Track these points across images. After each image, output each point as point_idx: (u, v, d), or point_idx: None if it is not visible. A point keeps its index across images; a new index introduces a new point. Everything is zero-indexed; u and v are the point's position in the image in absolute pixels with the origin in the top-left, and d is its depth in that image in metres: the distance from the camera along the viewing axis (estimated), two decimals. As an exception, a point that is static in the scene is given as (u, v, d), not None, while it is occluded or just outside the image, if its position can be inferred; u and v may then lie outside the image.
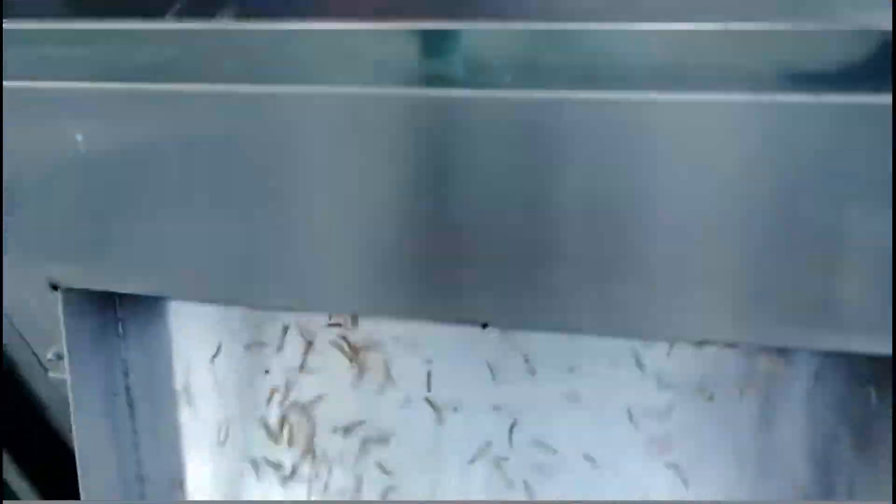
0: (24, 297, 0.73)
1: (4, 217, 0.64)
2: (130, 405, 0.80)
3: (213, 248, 0.62)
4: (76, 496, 0.89)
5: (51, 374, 0.82)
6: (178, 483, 0.83)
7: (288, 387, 0.78)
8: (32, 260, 0.67)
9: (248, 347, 0.78)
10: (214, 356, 0.79)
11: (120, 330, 0.79)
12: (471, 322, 0.64)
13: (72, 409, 0.73)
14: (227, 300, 0.70)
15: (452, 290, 0.60)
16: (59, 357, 0.79)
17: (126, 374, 0.80)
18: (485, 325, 0.71)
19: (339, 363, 0.76)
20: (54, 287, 0.69)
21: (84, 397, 0.75)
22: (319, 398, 0.78)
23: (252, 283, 0.64)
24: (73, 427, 0.74)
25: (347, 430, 0.78)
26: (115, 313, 0.78)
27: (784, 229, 0.50)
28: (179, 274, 0.65)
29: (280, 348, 0.77)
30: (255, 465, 0.82)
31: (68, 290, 0.69)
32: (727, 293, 0.54)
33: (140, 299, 0.78)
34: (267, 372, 0.78)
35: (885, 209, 0.47)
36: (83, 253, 0.66)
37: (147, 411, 0.81)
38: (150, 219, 0.62)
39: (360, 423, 0.78)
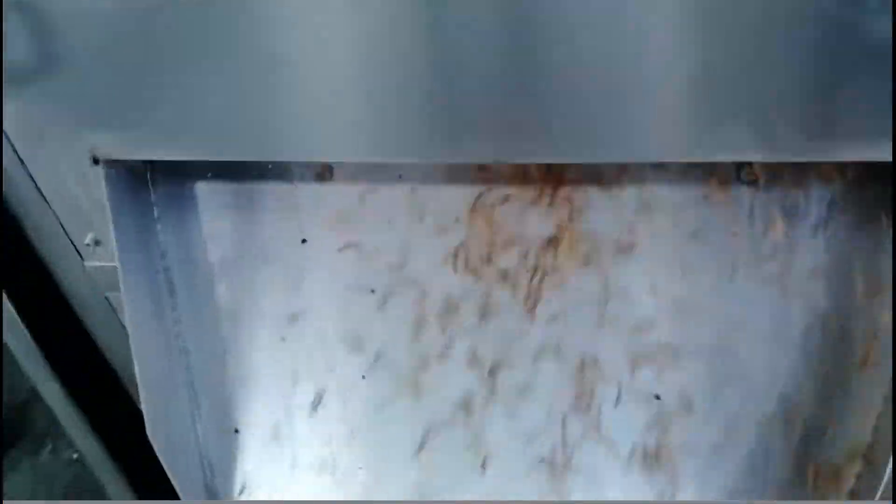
0: (63, 182, 0.74)
1: (45, 88, 0.66)
2: (170, 284, 0.84)
3: (235, 105, 0.65)
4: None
5: (86, 263, 0.84)
6: (220, 354, 0.87)
7: (323, 253, 0.82)
8: (73, 132, 0.69)
9: (280, 217, 0.81)
10: (246, 230, 0.83)
11: (155, 213, 0.81)
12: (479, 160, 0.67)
13: (121, 283, 0.76)
14: (251, 155, 0.72)
15: (459, 131, 0.63)
16: (97, 242, 0.82)
17: (163, 256, 0.83)
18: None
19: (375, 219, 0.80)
20: (95, 161, 0.71)
21: (129, 276, 0.77)
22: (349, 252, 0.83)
23: (271, 136, 0.67)
24: (124, 303, 0.77)
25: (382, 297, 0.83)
26: (150, 197, 0.80)
27: (787, 38, 0.53)
28: (212, 134, 0.68)
29: (314, 215, 0.81)
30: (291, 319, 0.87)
31: (109, 164, 0.71)
32: (731, 109, 0.57)
33: (172, 182, 0.81)
34: (304, 241, 0.82)
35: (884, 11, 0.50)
36: (121, 121, 0.68)
37: (185, 289, 0.84)
38: (187, 80, 0.64)
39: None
